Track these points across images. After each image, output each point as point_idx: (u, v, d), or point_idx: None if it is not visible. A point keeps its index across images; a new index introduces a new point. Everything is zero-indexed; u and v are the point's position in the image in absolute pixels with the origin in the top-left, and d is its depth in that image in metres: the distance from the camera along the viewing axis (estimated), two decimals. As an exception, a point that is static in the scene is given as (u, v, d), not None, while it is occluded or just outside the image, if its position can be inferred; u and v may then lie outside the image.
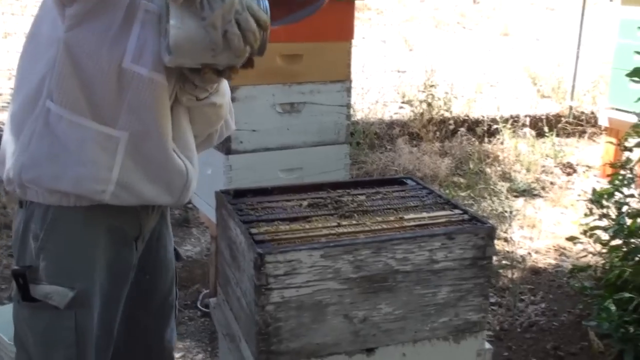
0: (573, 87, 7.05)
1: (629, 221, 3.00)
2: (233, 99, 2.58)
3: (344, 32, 2.81)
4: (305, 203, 1.73)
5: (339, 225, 1.57)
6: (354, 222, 1.60)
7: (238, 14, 1.32)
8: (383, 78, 6.87)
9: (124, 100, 1.44)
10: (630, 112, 3.20)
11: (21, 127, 1.47)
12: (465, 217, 1.64)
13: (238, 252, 1.55)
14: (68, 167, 1.44)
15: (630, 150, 3.19)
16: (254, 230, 1.52)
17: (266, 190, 1.82)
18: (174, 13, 1.33)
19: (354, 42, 2.89)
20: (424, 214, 1.65)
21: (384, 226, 1.57)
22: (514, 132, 6.28)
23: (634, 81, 3.13)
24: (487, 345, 1.67)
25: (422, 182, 1.91)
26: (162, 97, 1.48)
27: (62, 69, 1.40)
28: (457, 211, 1.67)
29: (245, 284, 1.50)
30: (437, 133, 6.20)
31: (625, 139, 3.23)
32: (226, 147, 2.66)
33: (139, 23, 1.41)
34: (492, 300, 3.52)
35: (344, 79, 2.85)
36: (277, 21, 1.61)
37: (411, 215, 1.64)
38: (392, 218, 1.62)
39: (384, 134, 6.18)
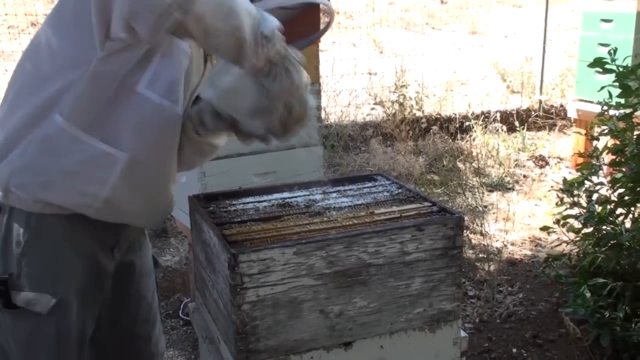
0: (541, 81, 7.15)
1: (598, 208, 3.05)
2: (203, 106, 2.59)
3: (311, 34, 2.82)
4: (276, 203, 1.75)
5: (310, 223, 1.59)
6: (325, 218, 1.62)
7: (295, 100, 1.44)
8: (354, 80, 6.91)
9: (131, 123, 1.48)
10: (597, 103, 3.26)
11: (20, 136, 1.47)
12: (434, 208, 1.67)
13: (212, 254, 1.56)
14: (58, 178, 1.47)
15: (597, 139, 3.25)
16: (226, 232, 1.54)
17: (238, 193, 1.84)
18: (234, 71, 1.44)
19: (324, 46, 2.91)
20: (394, 208, 1.68)
21: (355, 221, 1.60)
22: (485, 128, 6.35)
23: (597, 72, 3.19)
24: (463, 334, 1.70)
25: (392, 178, 1.94)
26: (170, 125, 1.53)
27: (84, 89, 1.43)
28: (426, 204, 1.70)
29: (221, 285, 1.52)
30: (410, 132, 6.25)
31: (591, 128, 3.29)
32: (199, 154, 2.66)
33: (159, 54, 1.47)
34: (471, 293, 3.57)
35: (313, 81, 2.84)
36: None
37: (381, 210, 1.67)
38: (362, 213, 1.65)
39: (357, 135, 6.21)
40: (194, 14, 1.28)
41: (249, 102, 1.44)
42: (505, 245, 4.15)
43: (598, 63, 3.01)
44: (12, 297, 1.50)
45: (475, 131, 6.26)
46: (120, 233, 1.65)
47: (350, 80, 6.88)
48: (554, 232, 3.38)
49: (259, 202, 1.77)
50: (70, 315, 1.56)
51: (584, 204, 3.15)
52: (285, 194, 1.83)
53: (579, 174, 3.24)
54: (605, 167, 3.18)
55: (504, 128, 6.36)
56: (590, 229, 3.15)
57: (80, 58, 1.42)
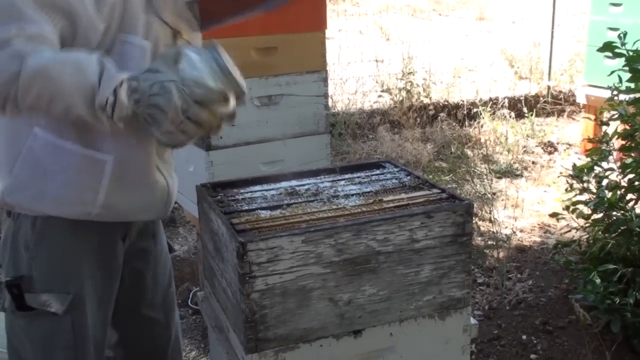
0: (550, 67, 7.09)
1: (608, 194, 3.03)
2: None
3: (317, 22, 2.81)
4: (284, 191, 1.74)
5: (318, 211, 1.59)
6: (334, 206, 1.61)
7: (186, 112, 1.31)
8: (361, 68, 6.88)
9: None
10: (606, 88, 3.22)
11: (8, 150, 1.48)
12: (444, 195, 1.66)
13: (221, 243, 1.56)
14: (49, 190, 1.46)
15: (606, 124, 3.22)
16: (235, 220, 1.54)
17: (246, 181, 1.83)
18: None
19: (330, 34, 2.90)
20: (403, 195, 1.67)
21: (364, 209, 1.59)
22: (493, 114, 6.31)
23: (606, 56, 3.16)
24: (473, 321, 1.70)
25: (401, 165, 1.93)
26: None
27: None
28: (435, 190, 1.69)
29: (229, 274, 1.52)
30: (418, 119, 6.22)
31: (601, 113, 3.26)
32: (206, 144, 2.66)
33: (117, 55, 1.43)
34: (480, 280, 3.56)
35: (319, 69, 2.85)
36: (251, 10, 1.64)
37: (390, 197, 1.66)
38: (371, 200, 1.64)
39: (365, 123, 6.19)
40: (27, 106, 1.28)
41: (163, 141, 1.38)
42: (514, 232, 4.13)
43: (607, 47, 2.98)
44: (25, 300, 1.50)
45: (483, 118, 6.22)
46: (129, 224, 1.66)
47: (357, 67, 6.85)
48: (564, 218, 3.36)
49: (267, 190, 1.76)
50: (87, 312, 1.57)
51: (594, 190, 3.13)
52: (293, 182, 1.82)
53: (588, 159, 3.22)
54: (615, 153, 3.16)
55: (512, 114, 6.32)
56: (600, 215, 3.14)
57: None
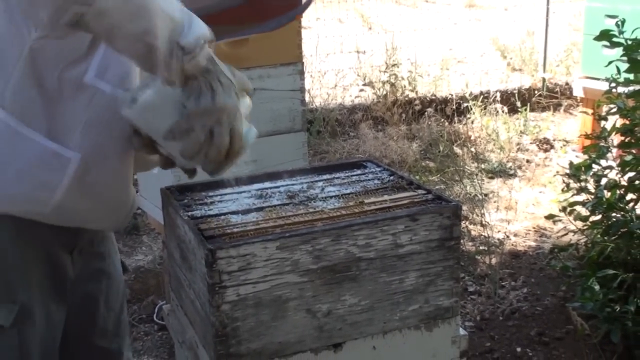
0: (545, 57, 7.18)
1: (607, 194, 3.08)
2: (175, 90, 2.59)
3: (292, 9, 2.82)
4: (257, 194, 1.75)
5: (294, 215, 1.60)
6: (311, 209, 1.63)
7: (218, 124, 1.32)
8: (341, 60, 6.91)
9: (82, 118, 1.42)
10: (604, 80, 3.27)
11: None
12: (429, 197, 1.68)
13: (188, 251, 1.56)
14: (2, 185, 1.41)
15: (605, 119, 3.27)
16: (203, 226, 1.54)
17: (216, 184, 1.83)
18: (157, 84, 1.34)
19: (307, 23, 2.91)
20: (386, 197, 1.69)
21: (343, 212, 1.60)
22: (484, 109, 6.37)
23: (605, 46, 3.21)
24: (462, 332, 1.72)
25: (383, 165, 1.95)
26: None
27: (23, 76, 1.37)
28: (420, 191, 1.71)
29: (198, 284, 1.52)
30: (403, 115, 6.26)
31: (598, 106, 3.31)
32: (172, 143, 2.66)
33: None
34: (471, 288, 3.60)
35: (295, 61, 2.86)
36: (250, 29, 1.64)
37: (372, 199, 1.68)
38: (351, 203, 1.66)
39: (345, 120, 6.22)
40: (96, 8, 1.19)
41: (167, 122, 1.35)
42: (508, 236, 4.18)
43: (605, 36, 3.02)
44: None
45: (473, 113, 6.28)
46: (78, 235, 1.61)
47: (337, 59, 6.88)
48: (560, 220, 3.41)
49: (238, 193, 1.77)
50: (34, 324, 1.53)
51: (592, 190, 3.17)
52: (267, 184, 1.83)
53: (586, 157, 3.27)
54: (614, 149, 3.21)
55: (505, 109, 6.39)
56: (598, 217, 3.18)
57: (15, 39, 1.36)
